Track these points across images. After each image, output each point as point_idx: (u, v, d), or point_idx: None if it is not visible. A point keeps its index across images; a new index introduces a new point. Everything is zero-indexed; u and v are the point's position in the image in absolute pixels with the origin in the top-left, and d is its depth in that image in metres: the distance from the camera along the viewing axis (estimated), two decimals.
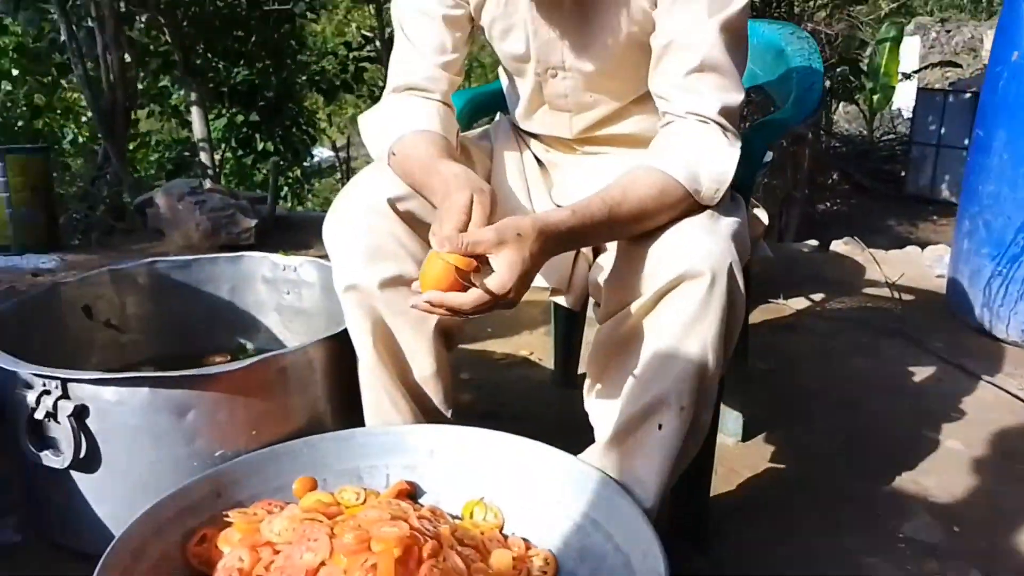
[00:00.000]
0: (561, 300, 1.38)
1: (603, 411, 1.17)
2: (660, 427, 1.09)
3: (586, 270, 1.32)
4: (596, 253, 1.32)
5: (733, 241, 1.04)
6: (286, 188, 6.11)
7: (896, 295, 2.75)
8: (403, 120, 1.24)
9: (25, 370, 1.18)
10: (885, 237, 3.57)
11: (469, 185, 1.06)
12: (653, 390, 1.08)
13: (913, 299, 2.81)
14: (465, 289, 0.99)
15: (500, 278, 0.98)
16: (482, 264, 1.00)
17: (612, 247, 1.24)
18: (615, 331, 1.12)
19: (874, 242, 3.45)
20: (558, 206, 1.33)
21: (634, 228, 1.07)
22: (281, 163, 5.86)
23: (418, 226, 1.22)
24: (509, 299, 0.99)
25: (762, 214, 1.35)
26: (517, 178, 1.38)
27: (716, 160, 1.08)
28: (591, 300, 1.46)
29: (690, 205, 1.07)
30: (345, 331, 1.30)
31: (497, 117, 1.55)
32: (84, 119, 6.24)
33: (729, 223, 1.07)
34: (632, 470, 1.14)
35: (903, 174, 7.34)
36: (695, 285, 1.02)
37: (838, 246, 3.51)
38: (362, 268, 1.21)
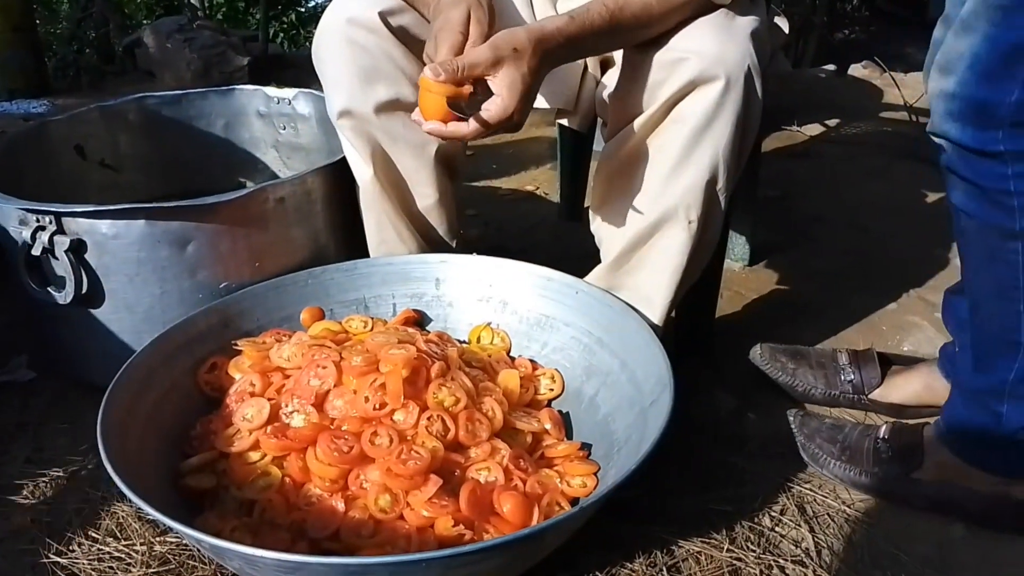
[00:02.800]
0: (567, 122, 1.32)
1: (609, 230, 1.14)
2: (666, 242, 1.07)
3: (594, 87, 1.26)
4: (604, 69, 1.25)
5: (752, 41, 0.97)
6: (281, 35, 5.86)
7: (913, 118, 2.65)
8: None
9: (17, 206, 1.16)
10: (905, 64, 3.40)
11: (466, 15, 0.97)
12: (660, 204, 1.05)
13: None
14: (465, 115, 0.94)
15: (503, 102, 0.92)
16: (479, 86, 0.95)
17: (620, 61, 1.17)
18: (621, 146, 1.08)
19: (893, 68, 3.30)
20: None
21: (640, 33, 0.99)
22: (277, 6, 5.57)
23: (413, 43, 1.15)
24: (513, 122, 0.94)
25: (783, 23, 1.25)
26: None
27: None
28: (599, 123, 1.41)
29: (702, 4, 0.99)
30: (344, 160, 1.26)
31: None
32: None
33: (747, 22, 0.99)
34: (638, 288, 1.13)
35: None
36: (708, 91, 0.96)
37: (856, 70, 3.36)
38: (356, 91, 1.15)
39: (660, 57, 0.98)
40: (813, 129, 2.66)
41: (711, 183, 1.03)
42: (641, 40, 1.00)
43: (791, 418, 1.19)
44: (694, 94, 0.98)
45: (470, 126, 0.93)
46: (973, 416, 1.03)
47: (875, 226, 1.96)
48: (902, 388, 1.26)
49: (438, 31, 0.97)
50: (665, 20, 0.98)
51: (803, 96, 2.95)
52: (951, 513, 1.08)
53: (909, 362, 1.31)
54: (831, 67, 3.47)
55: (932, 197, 2.14)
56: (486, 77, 0.92)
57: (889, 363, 1.30)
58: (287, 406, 1.04)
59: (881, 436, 1.14)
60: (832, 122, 2.73)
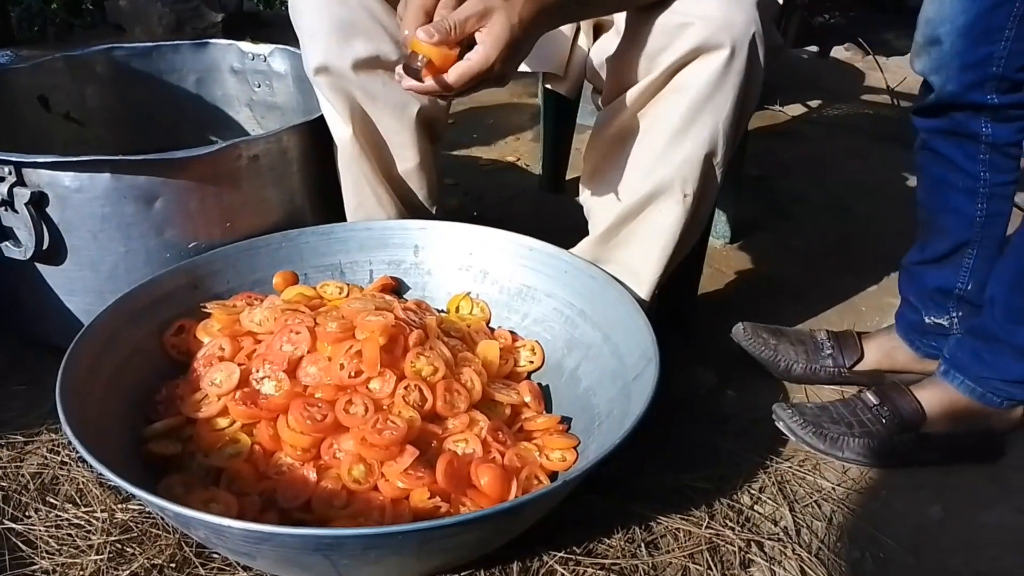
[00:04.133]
0: (554, 87, 1.28)
1: (599, 202, 1.11)
2: (659, 216, 1.04)
3: (585, 53, 1.22)
4: (596, 34, 1.21)
5: (758, 9, 0.93)
6: None
7: (895, 101, 2.65)
8: None
9: None
10: (885, 49, 3.39)
11: None
12: (656, 176, 1.01)
13: (912, 105, 2.71)
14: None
15: (484, 51, 0.85)
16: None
17: (615, 27, 1.13)
18: (618, 114, 1.04)
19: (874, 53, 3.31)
20: None
21: None
22: None
23: None
24: (496, 72, 0.88)
25: None
26: None
27: None
28: (586, 93, 1.38)
29: None
30: (321, 119, 1.21)
31: None
32: None
33: None
34: (627, 261, 1.10)
35: None
36: (712, 59, 0.92)
37: (839, 52, 3.36)
38: (333, 46, 1.10)
39: (664, 21, 0.94)
40: (795, 109, 2.65)
41: (709, 156, 0.99)
42: (644, 3, 0.96)
43: (781, 411, 1.17)
44: (697, 62, 0.94)
45: (450, 77, 0.86)
46: (1008, 363, 1.10)
47: (856, 207, 1.96)
48: (872, 355, 1.29)
49: None
50: None
51: (785, 76, 2.93)
52: (962, 459, 1.14)
53: None
54: (813, 48, 3.46)
55: (912, 180, 2.13)
56: (476, 30, 0.87)
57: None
58: (258, 372, 1.00)
59: (873, 403, 1.15)
60: (814, 103, 2.71)
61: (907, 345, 1.26)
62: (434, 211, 1.31)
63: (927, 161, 1.17)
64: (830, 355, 1.27)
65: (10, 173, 1.09)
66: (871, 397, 1.16)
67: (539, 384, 1.12)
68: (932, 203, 1.18)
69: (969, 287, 1.17)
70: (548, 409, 1.09)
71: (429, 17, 0.88)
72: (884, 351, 1.27)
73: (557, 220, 1.69)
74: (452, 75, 0.87)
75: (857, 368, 1.27)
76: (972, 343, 1.12)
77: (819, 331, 1.31)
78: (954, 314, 1.20)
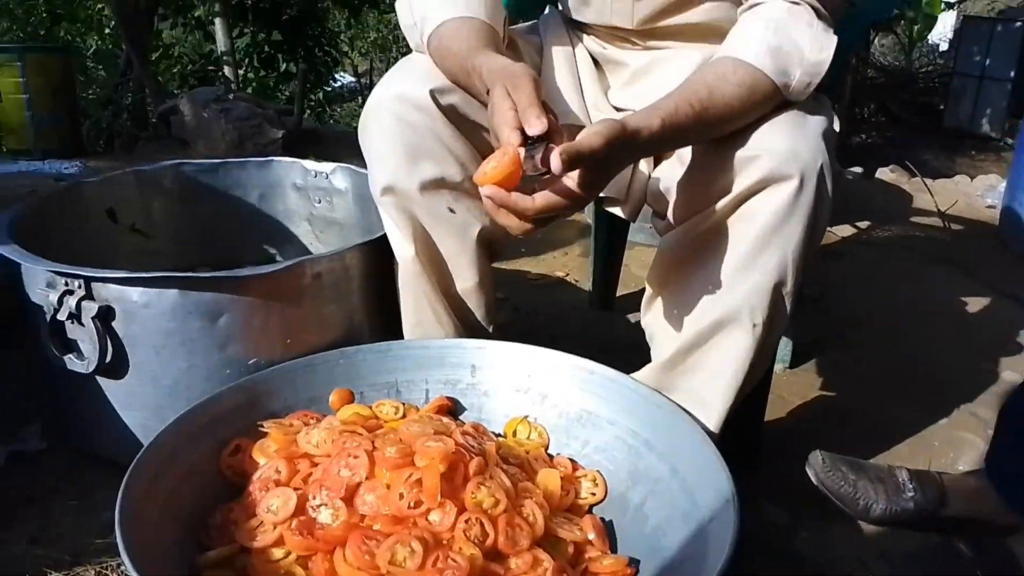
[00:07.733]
0: (616, 210, 1.29)
1: (664, 326, 1.09)
2: (728, 344, 1.01)
3: (645, 178, 1.22)
4: (656, 160, 1.22)
5: (824, 141, 0.93)
6: (308, 111, 6.01)
7: (946, 224, 2.63)
8: (444, 4, 1.12)
9: (46, 268, 1.11)
10: (923, 171, 3.43)
11: (527, 73, 0.95)
12: (724, 304, 1.00)
13: (962, 229, 2.70)
14: (530, 192, 0.89)
15: (578, 186, 0.86)
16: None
17: (677, 154, 1.14)
18: (683, 239, 1.03)
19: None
20: (616, 108, 1.22)
21: (719, 131, 0.96)
22: (306, 84, 5.74)
23: (462, 123, 1.12)
24: (578, 203, 0.89)
25: (835, 122, 1.23)
26: (568, 76, 1.27)
27: (810, 48, 0.96)
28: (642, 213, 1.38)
29: (777, 101, 0.96)
30: (384, 238, 1.22)
31: (547, 11, 1.43)
32: (107, 30, 6.06)
33: (819, 121, 0.96)
34: (694, 391, 1.07)
35: (942, 107, 7.06)
36: (781, 189, 0.92)
37: (884, 173, 3.38)
38: (401, 168, 1.12)
39: (731, 153, 0.95)
40: (844, 230, 2.65)
41: (779, 286, 0.98)
42: (716, 136, 0.97)
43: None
44: (766, 192, 0.94)
45: (537, 200, 0.86)
46: None
47: (914, 332, 1.91)
48: (957, 501, 1.20)
49: (517, 93, 0.90)
50: (745, 117, 0.95)
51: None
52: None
53: None
54: (858, 169, 3.49)
55: (971, 305, 2.09)
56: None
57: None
58: (315, 498, 0.96)
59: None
60: (863, 224, 2.71)
61: (996, 492, 1.18)
62: (490, 329, 1.30)
63: None
64: (912, 497, 1.20)
65: (79, 287, 1.10)
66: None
67: (601, 519, 1.07)
68: None
69: None
70: (613, 548, 1.04)
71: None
72: (971, 496, 1.20)
73: (610, 339, 1.67)
74: (539, 203, 0.86)
75: (942, 514, 1.19)
76: None
77: (900, 469, 1.24)
78: None
